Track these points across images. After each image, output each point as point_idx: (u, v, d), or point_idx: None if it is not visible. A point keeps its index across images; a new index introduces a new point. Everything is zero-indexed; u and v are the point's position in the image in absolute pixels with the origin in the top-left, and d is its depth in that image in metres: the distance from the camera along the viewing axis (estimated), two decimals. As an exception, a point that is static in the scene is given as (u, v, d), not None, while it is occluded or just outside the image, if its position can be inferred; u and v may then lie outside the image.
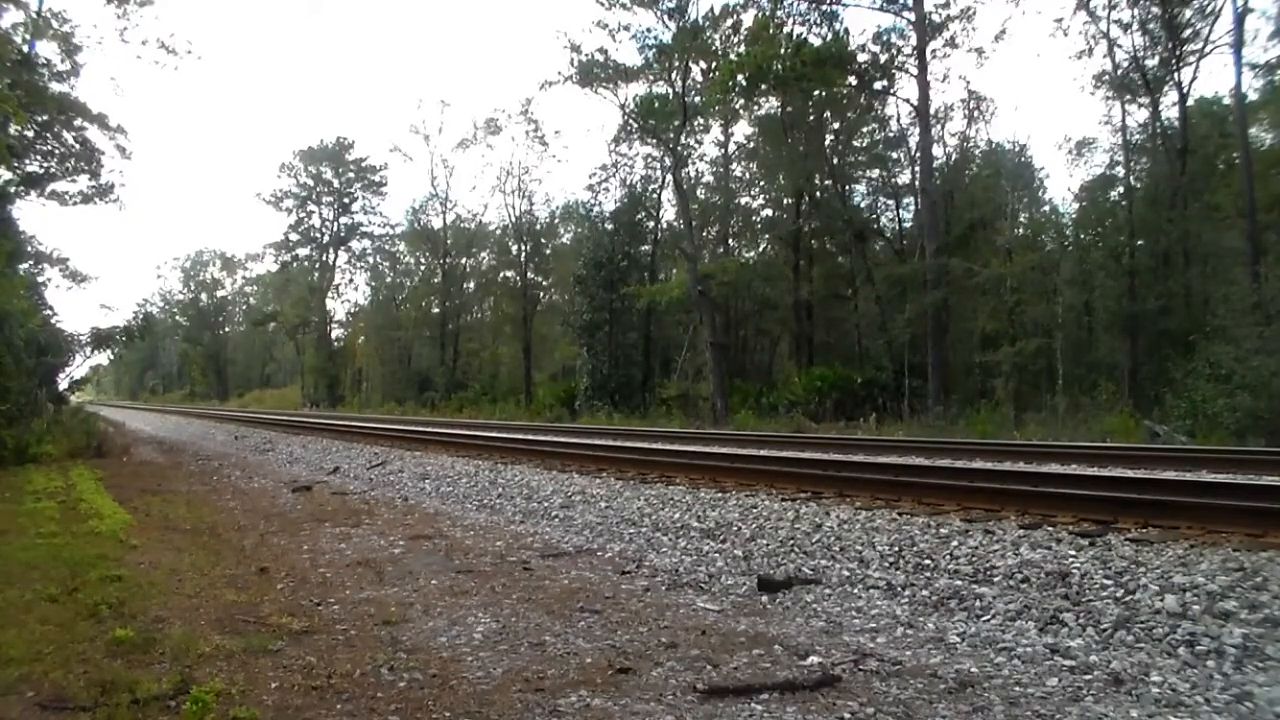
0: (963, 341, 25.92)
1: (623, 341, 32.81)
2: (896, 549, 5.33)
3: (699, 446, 13.39)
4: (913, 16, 24.84)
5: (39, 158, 21.84)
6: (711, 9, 29.39)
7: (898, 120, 30.51)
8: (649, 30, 29.97)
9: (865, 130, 32.25)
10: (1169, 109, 24.22)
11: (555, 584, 5.21)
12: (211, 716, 2.99)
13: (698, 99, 30.68)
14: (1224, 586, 4.00)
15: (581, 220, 39.07)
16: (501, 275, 46.21)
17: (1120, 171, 26.76)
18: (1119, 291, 22.79)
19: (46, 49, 20.10)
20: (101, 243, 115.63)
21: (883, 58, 26.17)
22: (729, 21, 29.12)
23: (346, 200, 55.80)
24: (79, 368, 21.33)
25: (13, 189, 19.97)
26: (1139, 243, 23.26)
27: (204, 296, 79.44)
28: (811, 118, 31.40)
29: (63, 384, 20.83)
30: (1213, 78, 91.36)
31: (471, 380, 43.45)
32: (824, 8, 25.86)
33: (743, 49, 26.99)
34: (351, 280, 59.70)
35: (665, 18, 29.24)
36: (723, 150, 36.48)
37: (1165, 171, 23.84)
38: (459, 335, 46.33)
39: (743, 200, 36.94)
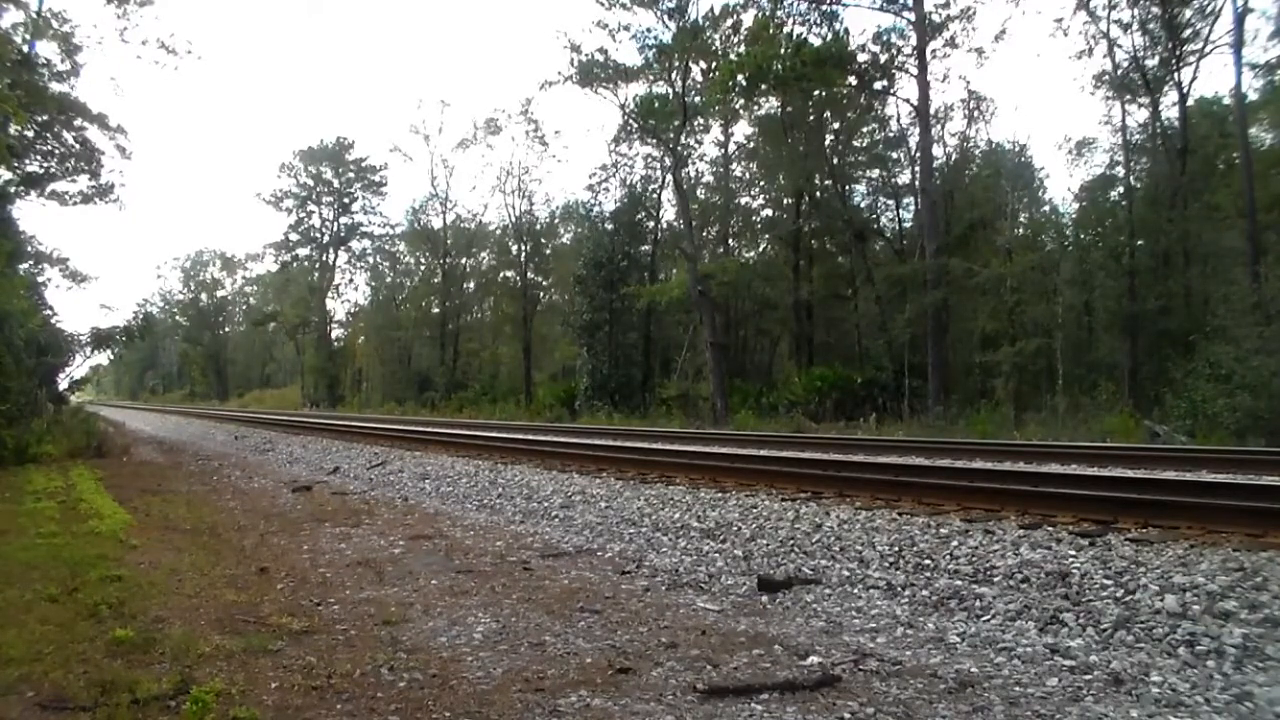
0: (963, 341, 25.92)
1: (623, 341, 32.81)
2: (896, 549, 5.33)
3: (699, 446, 13.39)
4: (913, 16, 24.85)
5: (39, 158, 21.85)
6: (711, 9, 29.45)
7: (898, 120, 30.57)
8: (649, 30, 30.03)
9: (865, 130, 32.25)
10: (1169, 109, 24.28)
11: (555, 584, 5.21)
12: (211, 716, 2.99)
13: (698, 99, 30.68)
14: (1224, 586, 4.00)
15: (581, 220, 39.08)
16: (501, 275, 46.22)
17: (1120, 171, 26.78)
18: (1119, 291, 22.79)
19: (46, 49, 20.13)
20: (101, 243, 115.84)
21: (883, 58, 26.19)
22: (729, 21, 29.17)
23: (346, 200, 55.82)
24: (79, 368, 21.36)
25: (13, 189, 19.97)
26: (1139, 243, 23.26)
27: (204, 296, 79.46)
28: (811, 118, 31.40)
29: (63, 384, 20.83)
30: (1213, 78, 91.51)
31: (471, 380, 43.45)
32: (824, 8, 25.88)
33: (743, 49, 27.00)
34: (351, 280, 59.84)
35: (665, 18, 29.27)
36: (723, 150, 36.56)
37: (1165, 171, 23.84)
38: (459, 335, 46.33)
39: (743, 200, 36.99)
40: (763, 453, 11.45)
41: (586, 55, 30.20)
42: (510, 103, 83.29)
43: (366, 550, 6.37)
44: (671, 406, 27.95)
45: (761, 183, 36.45)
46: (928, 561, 5.07)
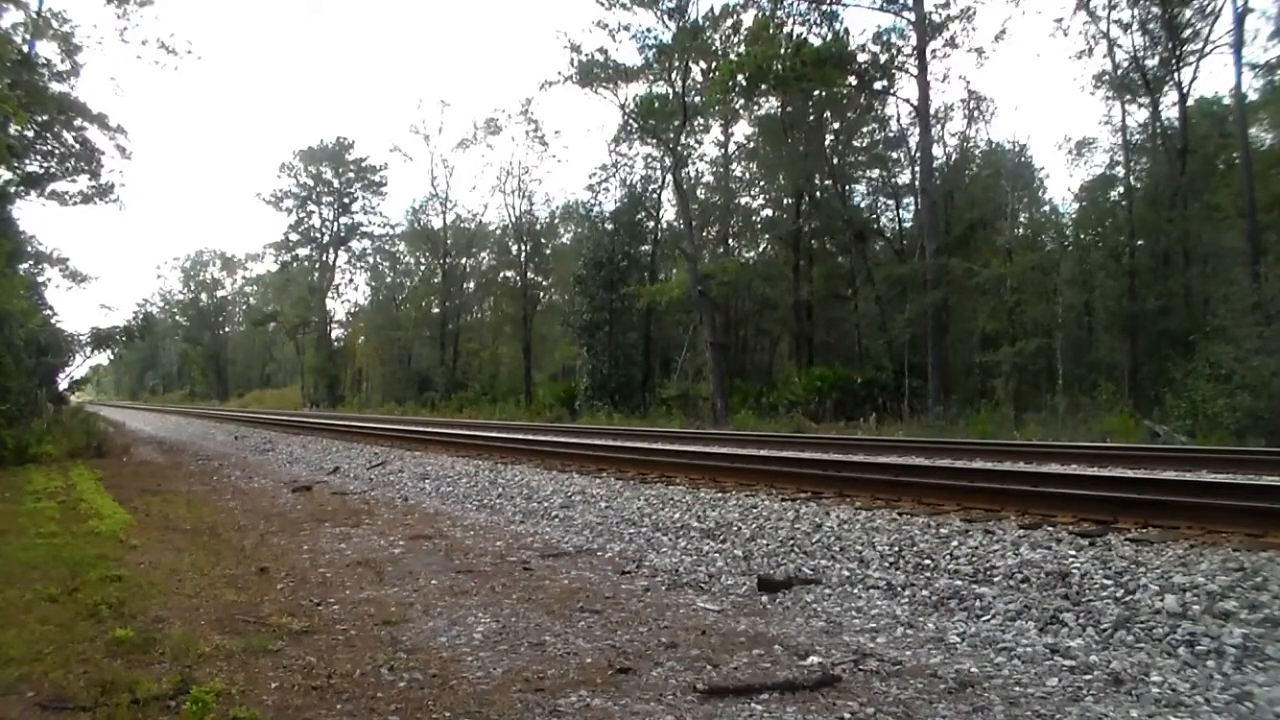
0: (963, 341, 25.92)
1: (623, 341, 32.81)
2: (896, 549, 5.33)
3: (699, 446, 13.39)
4: (913, 16, 24.85)
5: (39, 158, 21.85)
6: (711, 9, 29.45)
7: (898, 120, 30.57)
8: (649, 30, 30.02)
9: (865, 130, 32.25)
10: (1169, 109, 24.28)
11: (555, 584, 5.21)
12: (211, 716, 2.99)
13: (698, 99, 30.68)
14: (1224, 586, 4.00)
15: (581, 220, 39.08)
16: (501, 275, 46.22)
17: (1120, 171, 26.78)
18: (1119, 291, 22.79)
19: (46, 49, 20.13)
20: (101, 243, 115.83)
21: (883, 58, 26.19)
22: (729, 21, 29.17)
23: (346, 200, 55.82)
24: (79, 368, 21.36)
25: (13, 189, 19.97)
26: (1139, 243, 23.26)
27: (204, 296, 79.46)
28: (811, 118, 31.40)
29: (63, 384, 20.83)
30: (1213, 78, 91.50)
31: (471, 380, 43.45)
32: (824, 8, 25.88)
33: (743, 49, 27.00)
34: (351, 280, 59.83)
35: (665, 18, 29.27)
36: (723, 150, 36.56)
37: (1165, 171, 23.84)
38: (459, 335, 46.33)
39: (743, 200, 36.99)
40: (763, 453, 11.45)
41: (586, 55, 30.23)
42: (510, 103, 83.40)
43: (366, 550, 6.37)
44: (671, 406, 27.95)
45: (761, 183, 36.47)
46: (928, 561, 5.07)
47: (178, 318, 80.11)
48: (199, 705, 3.01)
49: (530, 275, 42.84)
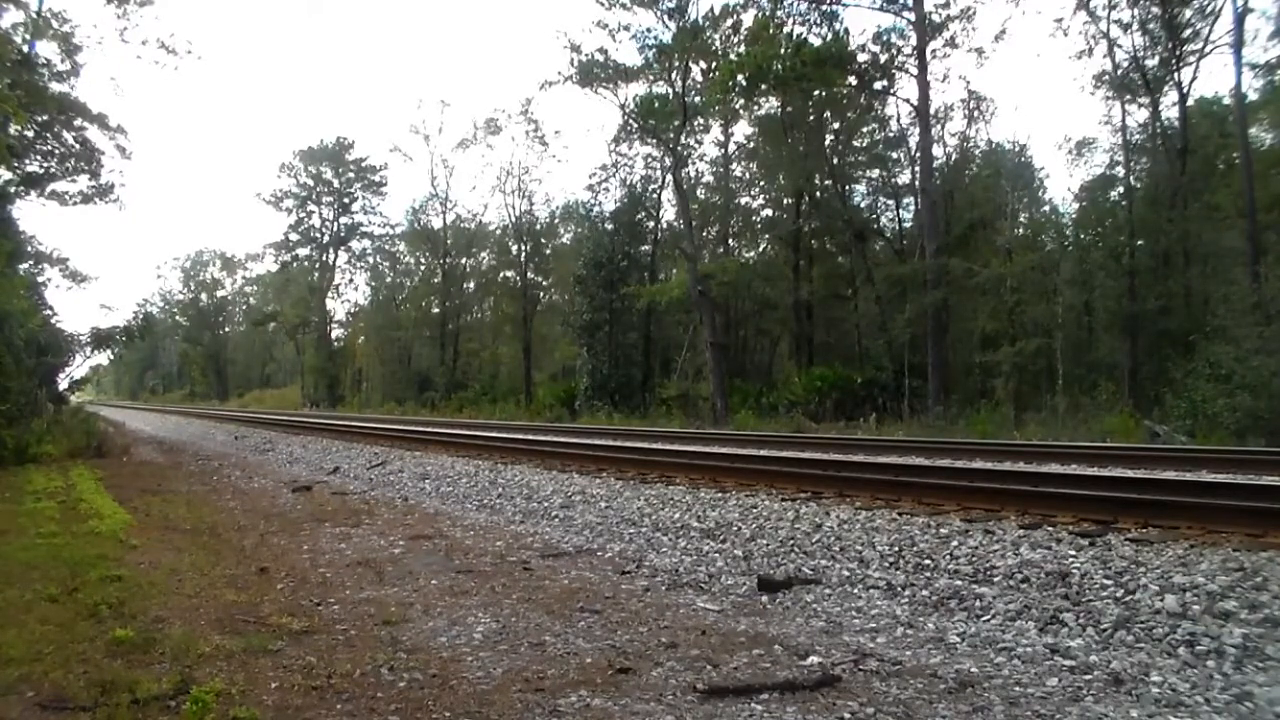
0: (963, 341, 25.92)
1: (623, 341, 32.81)
2: (896, 549, 5.33)
3: (699, 446, 13.39)
4: (913, 16, 24.85)
5: (39, 158, 21.84)
6: (711, 9, 29.45)
7: (898, 120, 30.57)
8: (649, 30, 30.03)
9: (865, 130, 32.25)
10: (1169, 109, 24.28)
11: (555, 584, 5.21)
12: (211, 716, 2.99)
13: (698, 99, 30.67)
14: (1224, 586, 4.00)
15: (581, 220, 39.08)
16: (501, 275, 46.22)
17: (1120, 171, 26.78)
18: (1119, 291, 22.79)
19: (46, 49, 20.13)
20: (101, 243, 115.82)
21: (883, 58, 26.19)
22: (729, 21, 29.17)
23: (346, 200, 55.82)
24: (79, 368, 21.36)
25: (13, 189, 19.97)
26: (1139, 243, 23.26)
27: (204, 296, 79.46)
28: (811, 118, 31.40)
29: (63, 384, 20.83)
30: (1213, 78, 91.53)
31: (471, 380, 43.45)
32: (824, 8, 25.88)
33: (743, 49, 27.00)
34: (351, 280, 59.84)
35: (665, 18, 29.27)
36: (723, 150, 36.56)
37: (1165, 171, 23.84)
38: (459, 335, 46.33)
39: (743, 200, 36.98)
40: (763, 453, 11.45)
41: (586, 55, 30.23)
42: (510, 103, 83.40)
43: (366, 550, 6.37)
44: (671, 406, 27.94)
45: (761, 183, 36.47)
46: (928, 561, 5.07)
47: (178, 318, 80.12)
48: (199, 705, 3.01)
49: (530, 275, 42.84)
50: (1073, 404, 19.03)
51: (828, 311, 32.86)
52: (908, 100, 27.37)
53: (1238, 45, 20.69)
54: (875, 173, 32.96)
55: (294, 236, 57.11)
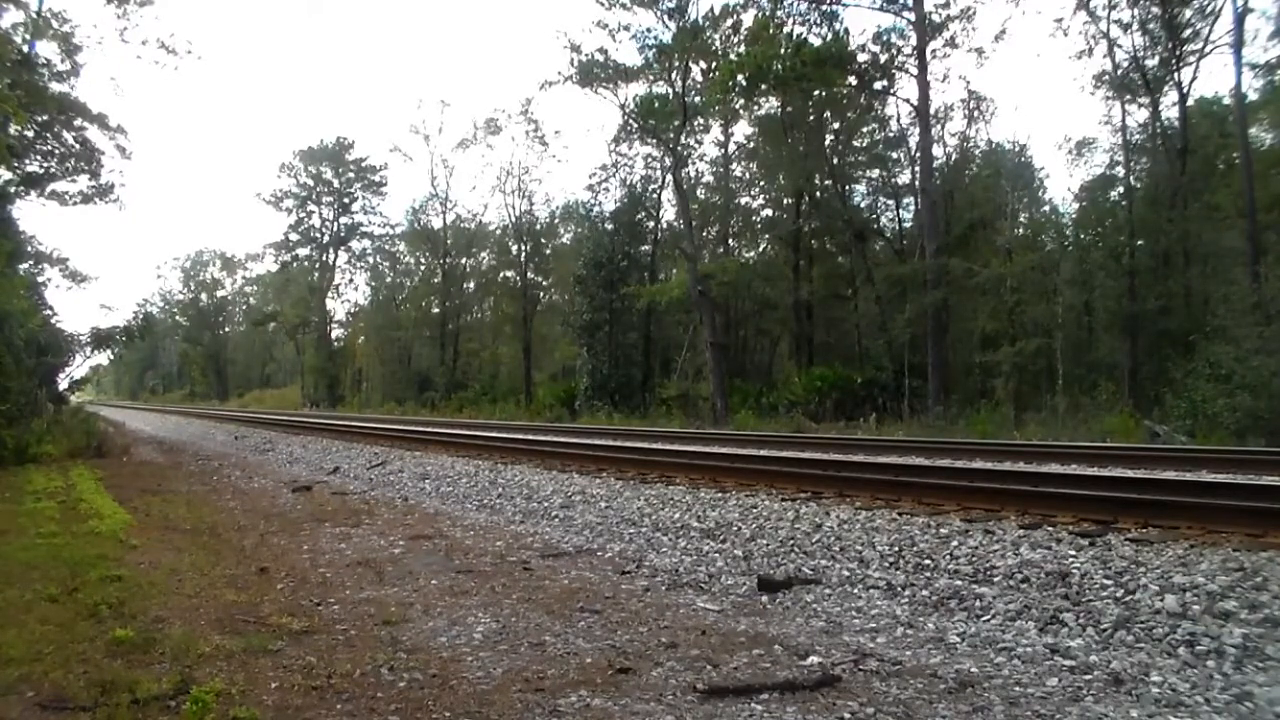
0: (963, 341, 25.91)
1: (623, 341, 32.81)
2: (896, 549, 5.33)
3: (699, 446, 13.39)
4: (913, 16, 24.85)
5: (39, 158, 21.84)
6: (711, 9, 29.45)
7: (898, 120, 30.57)
8: (649, 30, 30.03)
9: (865, 130, 32.25)
10: (1169, 109, 24.28)
11: (555, 584, 5.21)
12: (211, 716, 2.99)
13: (698, 99, 30.67)
14: (1224, 586, 4.00)
15: (581, 220, 39.08)
16: (501, 275, 46.23)
17: (1120, 171, 26.78)
18: (1119, 291, 22.79)
19: (46, 49, 20.13)
20: (101, 243, 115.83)
21: (883, 58, 26.19)
22: (729, 21, 29.17)
23: (346, 200, 55.83)
24: (79, 368, 21.36)
25: (13, 189, 19.97)
26: (1139, 243, 23.25)
27: (204, 296, 79.46)
28: (811, 118, 31.40)
29: (63, 384, 20.83)
30: (1213, 78, 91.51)
31: (471, 380, 43.46)
32: (824, 8, 25.88)
33: (743, 49, 27.00)
34: (351, 280, 59.84)
35: (665, 18, 29.27)
36: (723, 150, 36.56)
37: (1165, 171, 23.84)
38: (459, 335, 46.33)
39: (743, 200, 36.98)
40: (763, 453, 11.45)
41: (586, 55, 30.23)
42: (510, 103, 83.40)
43: (366, 550, 6.37)
44: (671, 406, 27.94)
45: (761, 183, 36.47)
46: (928, 561, 5.07)
47: (178, 318, 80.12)
48: (199, 705, 3.01)
49: (530, 275, 42.84)
50: (1073, 404, 19.03)
51: (828, 311, 32.86)
52: (908, 100, 27.42)
53: (1238, 45, 20.71)
54: (875, 173, 32.97)
55: (294, 236, 57.15)
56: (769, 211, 36.27)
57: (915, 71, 24.95)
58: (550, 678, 3.49)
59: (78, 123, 21.73)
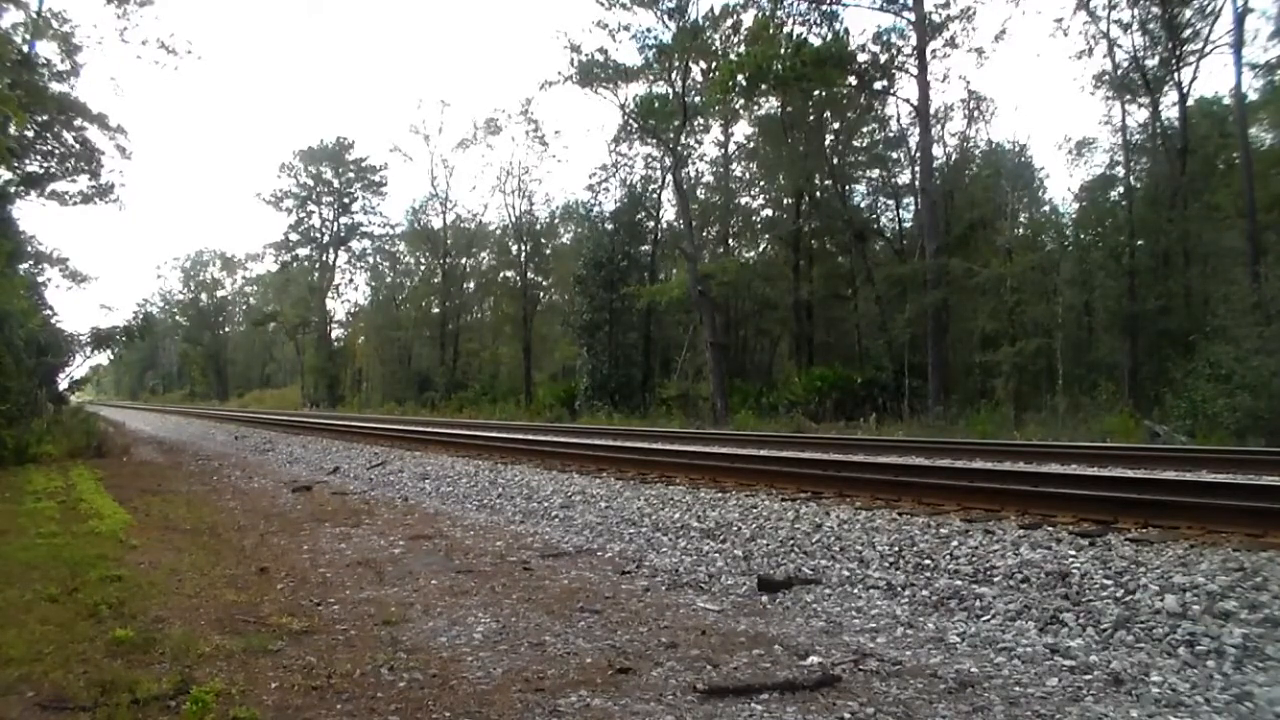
0: (963, 341, 25.92)
1: (623, 341, 32.81)
2: (896, 549, 5.33)
3: (699, 446, 13.39)
4: (913, 16, 24.85)
5: (39, 158, 21.85)
6: (711, 9, 29.46)
7: (898, 120, 30.58)
8: (649, 30, 30.04)
9: (865, 130, 32.26)
10: (1169, 109, 24.29)
11: (555, 584, 5.21)
12: (211, 716, 2.99)
13: (698, 99, 30.68)
14: (1224, 586, 4.00)
15: (581, 220, 39.09)
16: (501, 275, 46.23)
17: (1120, 171, 26.79)
18: (1119, 291, 22.79)
19: (46, 49, 20.14)
20: (101, 243, 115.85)
21: (883, 58, 26.19)
22: (729, 21, 29.18)
23: (346, 200, 55.83)
24: (79, 368, 21.37)
25: (13, 189, 19.97)
26: (1139, 243, 23.26)
27: (204, 296, 79.48)
28: (811, 118, 31.40)
29: (63, 384, 20.84)
30: (1213, 78, 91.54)
31: (471, 380, 43.46)
32: (824, 8, 25.88)
33: (743, 49, 27.00)
34: (351, 280, 59.84)
35: (665, 18, 29.28)
36: (723, 150, 36.57)
37: (1165, 171, 23.85)
38: (459, 335, 46.34)
39: (743, 200, 37.00)
40: (763, 453, 11.45)
41: (586, 55, 30.24)
42: (510, 103, 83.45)
43: (366, 550, 6.37)
44: (671, 406, 27.95)
45: (761, 183, 36.47)
46: (928, 561, 5.07)
47: (178, 318, 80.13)
48: (199, 705, 3.01)
49: (530, 275, 42.85)
50: (1073, 404, 19.03)
51: (828, 311, 32.87)
52: (908, 100, 27.42)
53: (1238, 45, 20.71)
54: (875, 173, 32.98)
55: (294, 236, 57.15)
56: (769, 211, 36.32)
57: (915, 71, 24.98)
58: (550, 678, 3.49)
59: (78, 123, 21.74)
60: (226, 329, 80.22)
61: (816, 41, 25.15)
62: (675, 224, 34.45)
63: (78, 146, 22.16)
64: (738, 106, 30.86)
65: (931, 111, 25.92)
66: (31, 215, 78.83)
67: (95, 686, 3.31)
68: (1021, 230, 27.79)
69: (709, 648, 3.89)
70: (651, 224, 35.38)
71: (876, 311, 27.82)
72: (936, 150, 27.68)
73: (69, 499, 9.13)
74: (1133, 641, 3.77)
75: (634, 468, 9.61)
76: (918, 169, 27.25)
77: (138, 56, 36.74)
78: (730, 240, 36.32)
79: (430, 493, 9.85)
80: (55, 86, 20.66)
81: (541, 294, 44.60)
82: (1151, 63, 23.76)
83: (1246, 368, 15.11)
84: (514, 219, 43.29)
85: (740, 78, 25.53)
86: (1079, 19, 24.24)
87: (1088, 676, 3.46)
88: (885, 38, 25.90)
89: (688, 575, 5.42)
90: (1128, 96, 24.92)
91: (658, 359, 34.05)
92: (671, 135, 30.77)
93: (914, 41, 25.05)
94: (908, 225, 31.27)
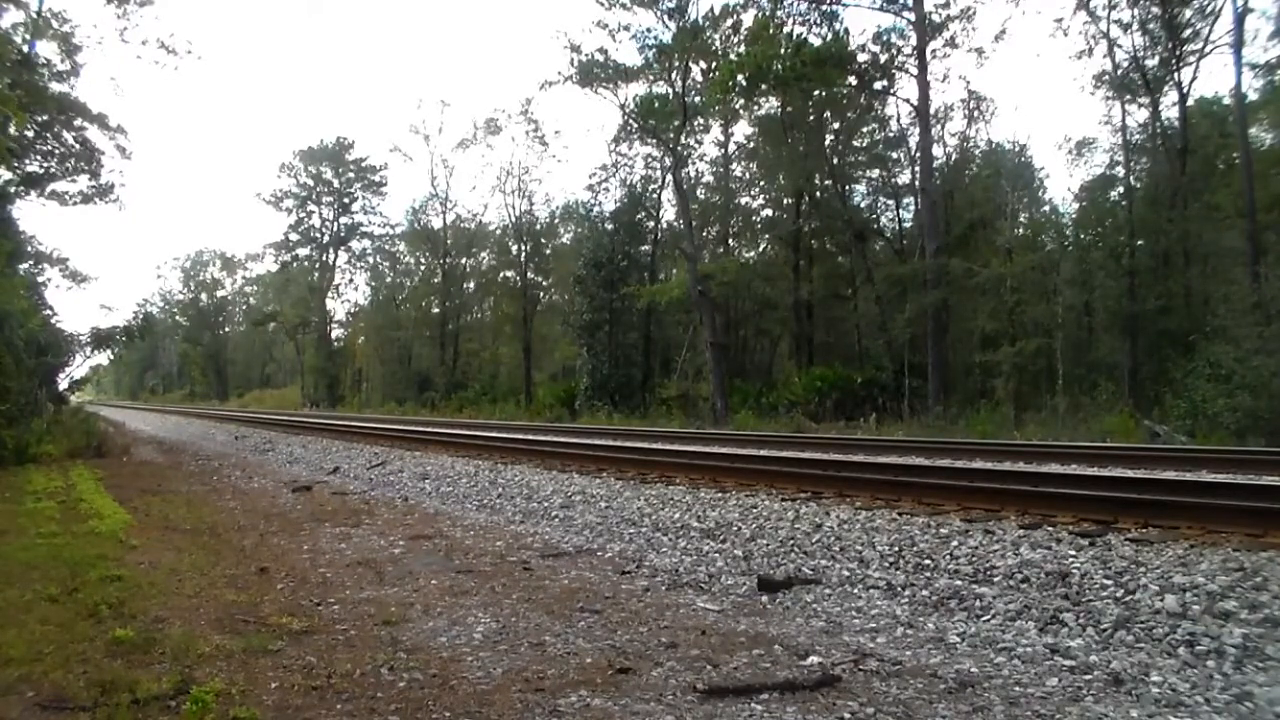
0: (963, 341, 25.92)
1: (623, 341, 32.81)
2: (896, 549, 5.33)
3: (699, 446, 13.39)
4: (913, 16, 24.85)
5: (39, 158, 21.86)
6: (711, 9, 29.46)
7: (898, 120, 30.58)
8: (649, 30, 30.04)
9: (865, 130, 32.26)
10: (1169, 109, 24.28)
11: (555, 584, 5.21)
12: (211, 716, 2.99)
13: (698, 99, 30.68)
14: (1224, 586, 4.00)
15: (581, 220, 39.09)
16: (501, 275, 46.23)
17: (1120, 171, 26.78)
18: (1119, 291, 22.78)
19: (46, 49, 20.16)
20: (101, 243, 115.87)
21: (883, 58, 26.19)
22: (729, 21, 29.18)
23: (346, 200, 55.83)
24: (79, 368, 21.37)
25: (13, 189, 19.98)
26: (1139, 243, 23.26)
27: (204, 296, 79.49)
28: (811, 118, 31.40)
29: (63, 384, 20.84)
30: (1213, 78, 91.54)
31: (471, 380, 43.46)
32: (824, 8, 25.88)
33: (743, 49, 26.99)
34: (351, 280, 59.84)
35: (665, 18, 29.28)
36: (723, 150, 36.56)
37: (1165, 171, 23.84)
38: (459, 335, 46.34)
39: (743, 200, 36.99)
40: (763, 453, 11.44)
41: (586, 55, 30.24)
42: (510, 103, 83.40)
43: (366, 550, 6.37)
44: (671, 406, 27.95)
45: (761, 183, 36.46)
46: (928, 561, 5.07)
47: (178, 318, 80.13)
48: (199, 705, 3.01)
49: (530, 275, 42.84)
50: (1073, 404, 19.03)
51: (828, 311, 32.87)
52: (908, 100, 27.42)
53: (1238, 45, 20.71)
54: (875, 173, 32.97)
55: (294, 236, 57.15)
56: (769, 211, 36.31)
57: (915, 71, 24.97)
58: (550, 678, 3.49)
59: (78, 123, 21.75)
60: (226, 329, 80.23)
61: (816, 41, 25.17)
62: (675, 224, 34.47)
63: (78, 146, 22.18)
64: (738, 106, 30.87)
65: (931, 111, 25.94)
66: (31, 215, 78.97)
67: (95, 686, 3.31)
68: (1021, 230, 27.78)
69: (709, 648, 3.89)
70: (651, 224, 35.40)
71: (876, 311, 27.82)
72: (936, 150, 27.73)
73: (69, 499, 9.13)
74: (1133, 641, 3.77)
75: (634, 468, 9.61)
76: (918, 169, 27.25)
77: (138, 56, 36.81)
78: (730, 240, 36.32)
79: (430, 493, 9.85)
80: (55, 86, 20.70)
81: (541, 294, 44.61)
82: (1151, 63, 23.77)
83: (1246, 368, 15.11)
84: (514, 219, 43.35)
85: (740, 78, 25.53)
86: (1079, 19, 24.28)
87: (1088, 676, 3.46)
88: (885, 38, 25.94)
89: (688, 575, 5.42)
90: (1128, 96, 24.92)
91: (658, 359, 34.05)
92: (671, 135, 30.77)
93: (914, 41, 25.07)
94: (908, 225, 31.30)
